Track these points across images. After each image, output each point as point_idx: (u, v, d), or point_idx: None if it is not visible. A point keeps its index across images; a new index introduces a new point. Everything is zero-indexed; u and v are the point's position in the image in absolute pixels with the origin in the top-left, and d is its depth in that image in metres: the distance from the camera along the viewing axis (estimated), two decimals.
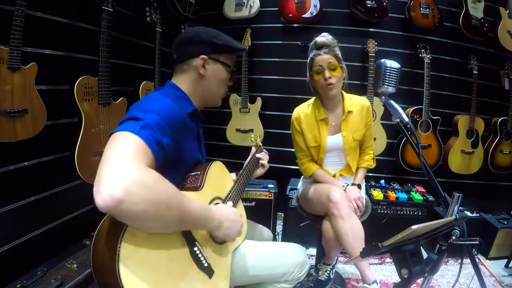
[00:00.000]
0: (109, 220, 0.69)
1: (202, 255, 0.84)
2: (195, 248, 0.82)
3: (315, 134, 1.60)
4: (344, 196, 1.44)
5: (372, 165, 1.69)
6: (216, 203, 0.98)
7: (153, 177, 0.65)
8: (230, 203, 1.01)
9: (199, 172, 0.97)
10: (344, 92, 1.62)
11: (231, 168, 1.17)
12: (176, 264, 0.76)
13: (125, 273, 0.62)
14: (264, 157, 1.42)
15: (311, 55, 1.49)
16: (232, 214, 0.91)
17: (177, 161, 0.88)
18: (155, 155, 0.71)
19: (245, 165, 1.34)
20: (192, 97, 1.00)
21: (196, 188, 0.92)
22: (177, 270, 0.75)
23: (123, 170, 0.60)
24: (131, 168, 0.62)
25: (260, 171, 1.42)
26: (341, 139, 1.59)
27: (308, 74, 1.55)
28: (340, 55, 1.48)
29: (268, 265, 1.09)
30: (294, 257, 1.13)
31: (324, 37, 1.47)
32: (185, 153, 0.94)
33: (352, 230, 1.38)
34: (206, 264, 0.84)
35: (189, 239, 0.82)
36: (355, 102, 1.60)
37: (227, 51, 1.01)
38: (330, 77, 1.44)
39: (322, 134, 1.58)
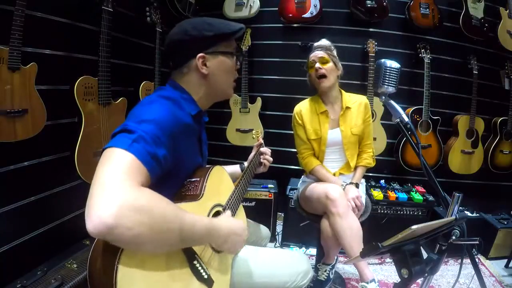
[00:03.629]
0: (101, 245, 0.66)
1: (202, 267, 0.82)
2: (195, 262, 0.80)
3: (315, 127, 1.65)
4: (342, 194, 1.46)
5: (372, 163, 1.71)
6: (217, 211, 0.95)
7: (147, 198, 0.61)
8: (228, 212, 0.95)
9: (198, 179, 0.92)
10: (342, 91, 1.69)
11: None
12: (176, 280, 0.74)
13: None
14: (267, 152, 1.37)
15: (308, 55, 1.63)
16: (237, 229, 0.86)
17: (176, 169, 0.84)
18: (150, 170, 0.67)
19: (248, 162, 1.31)
20: (197, 98, 0.94)
21: (195, 197, 0.88)
22: (177, 286, 0.74)
23: (113, 193, 0.57)
24: (123, 190, 0.58)
25: (261, 169, 1.37)
26: (340, 133, 1.64)
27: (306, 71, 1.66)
28: (334, 53, 1.60)
29: (268, 273, 1.06)
30: (296, 266, 1.10)
31: (320, 41, 1.63)
32: (185, 160, 0.89)
33: (350, 228, 1.39)
34: (206, 276, 0.82)
35: (189, 253, 0.79)
36: (353, 99, 1.67)
37: (223, 39, 0.92)
38: (320, 68, 1.55)
39: (322, 126, 1.63)
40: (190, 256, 0.79)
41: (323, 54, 1.56)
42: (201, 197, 0.88)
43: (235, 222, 0.88)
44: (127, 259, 0.62)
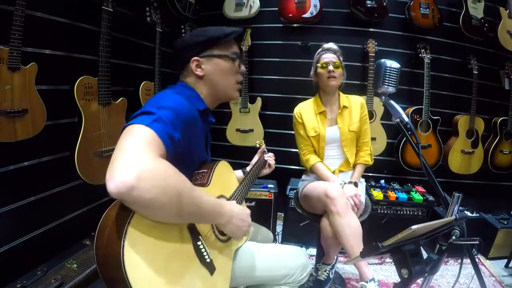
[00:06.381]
0: (112, 213, 0.69)
1: (205, 250, 0.84)
2: (199, 243, 0.82)
3: (314, 125, 1.72)
4: (341, 193, 1.47)
5: (370, 161, 1.74)
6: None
7: (165, 166, 0.67)
8: (233, 202, 1.00)
9: (206, 170, 0.98)
10: (340, 92, 1.76)
11: (232, 168, 1.17)
12: (179, 257, 0.76)
13: (130, 264, 0.62)
14: (272, 158, 1.48)
15: (318, 54, 1.71)
16: (242, 213, 0.91)
17: (186, 158, 0.88)
18: (167, 148, 0.72)
19: (252, 165, 1.35)
20: (203, 97, 1.00)
21: (202, 185, 0.93)
22: (179, 264, 0.76)
23: (136, 158, 0.62)
24: (144, 156, 0.64)
25: (266, 171, 1.46)
26: (338, 130, 1.70)
27: (313, 69, 1.73)
28: (342, 59, 1.68)
29: (269, 267, 1.08)
30: (295, 259, 1.12)
31: (331, 44, 1.72)
32: (194, 151, 0.95)
33: (349, 226, 1.40)
34: (208, 260, 0.84)
35: (194, 233, 0.82)
36: (349, 99, 1.76)
37: (216, 43, 0.98)
38: (333, 71, 1.63)
39: (320, 124, 1.71)
40: (194, 237, 0.82)
41: (336, 58, 1.65)
42: (208, 185, 0.93)
43: (240, 208, 0.91)
44: (133, 231, 0.65)
